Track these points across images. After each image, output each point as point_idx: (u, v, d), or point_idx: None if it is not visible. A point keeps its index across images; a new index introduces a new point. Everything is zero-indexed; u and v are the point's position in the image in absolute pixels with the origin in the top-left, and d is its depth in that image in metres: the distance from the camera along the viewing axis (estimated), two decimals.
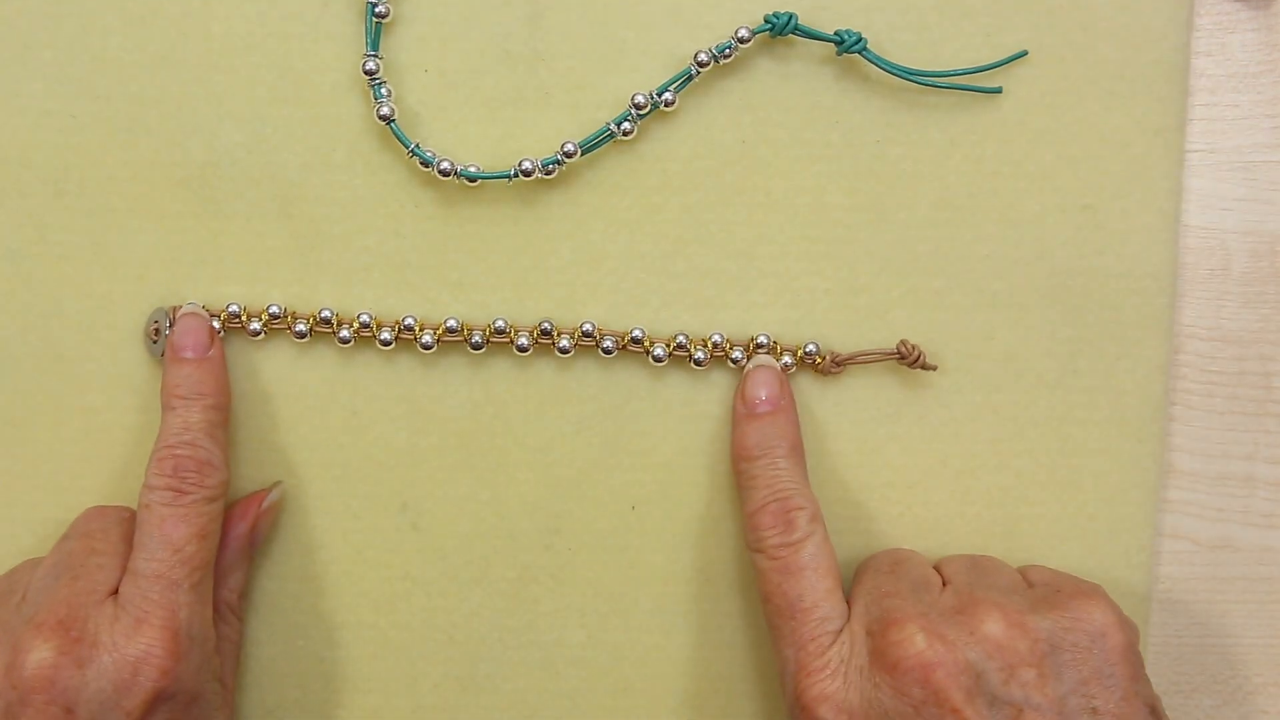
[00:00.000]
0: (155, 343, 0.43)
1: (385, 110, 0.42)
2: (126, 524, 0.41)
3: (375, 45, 0.43)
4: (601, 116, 0.43)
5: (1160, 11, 0.43)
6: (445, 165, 0.43)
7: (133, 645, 0.37)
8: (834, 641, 0.39)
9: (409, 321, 0.43)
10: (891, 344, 0.44)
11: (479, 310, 0.44)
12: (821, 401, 0.44)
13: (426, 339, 0.43)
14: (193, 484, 0.40)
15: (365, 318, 0.43)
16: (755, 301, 0.44)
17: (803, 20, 0.43)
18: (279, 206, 0.43)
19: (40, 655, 0.37)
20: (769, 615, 0.40)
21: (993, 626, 0.37)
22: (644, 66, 0.43)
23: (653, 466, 0.44)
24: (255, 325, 0.43)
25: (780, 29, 0.42)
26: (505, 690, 0.45)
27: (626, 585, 0.44)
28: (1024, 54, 0.43)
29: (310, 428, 0.44)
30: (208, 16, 0.43)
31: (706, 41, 0.43)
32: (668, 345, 0.43)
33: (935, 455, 0.44)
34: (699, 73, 0.43)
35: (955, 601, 0.38)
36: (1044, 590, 0.39)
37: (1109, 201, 0.44)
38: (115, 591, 0.39)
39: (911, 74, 0.43)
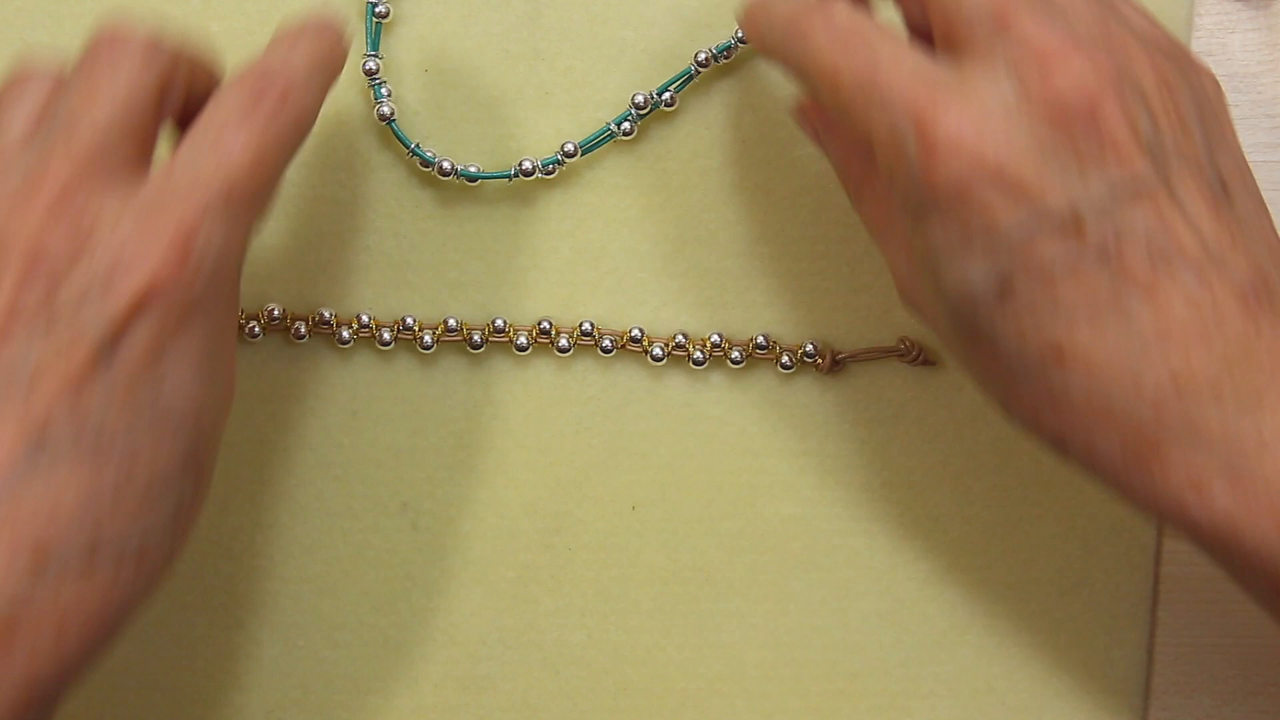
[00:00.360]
0: None
1: (385, 110, 0.42)
2: (150, 69, 0.34)
3: (375, 45, 0.43)
4: (602, 116, 0.43)
5: (1160, 11, 0.43)
6: (445, 165, 0.42)
7: (130, 244, 0.31)
8: (955, 75, 0.32)
9: (408, 321, 0.43)
10: (892, 345, 0.44)
11: (478, 310, 0.44)
12: (821, 401, 0.44)
13: (426, 339, 0.43)
14: (274, 98, 0.33)
15: (364, 318, 0.43)
16: (755, 301, 0.44)
17: None
18: (278, 206, 0.43)
19: (32, 223, 0.31)
20: (839, 99, 0.33)
21: (1146, 71, 0.32)
22: (644, 66, 0.43)
23: (653, 466, 0.44)
24: (254, 327, 0.43)
25: None
26: (505, 690, 0.45)
27: (627, 585, 0.44)
28: None
29: (309, 428, 0.44)
30: (207, 16, 0.43)
31: (707, 41, 0.43)
32: (667, 345, 0.43)
33: (935, 455, 0.44)
34: (699, 73, 0.43)
35: (1098, 24, 0.33)
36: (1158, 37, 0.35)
37: None
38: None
39: None
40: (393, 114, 0.43)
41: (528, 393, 0.44)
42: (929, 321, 0.37)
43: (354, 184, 0.44)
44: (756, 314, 0.44)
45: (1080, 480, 0.44)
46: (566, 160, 0.43)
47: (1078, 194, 0.31)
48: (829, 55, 0.34)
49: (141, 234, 0.31)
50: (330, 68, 0.36)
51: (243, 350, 0.44)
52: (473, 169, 0.43)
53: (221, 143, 0.32)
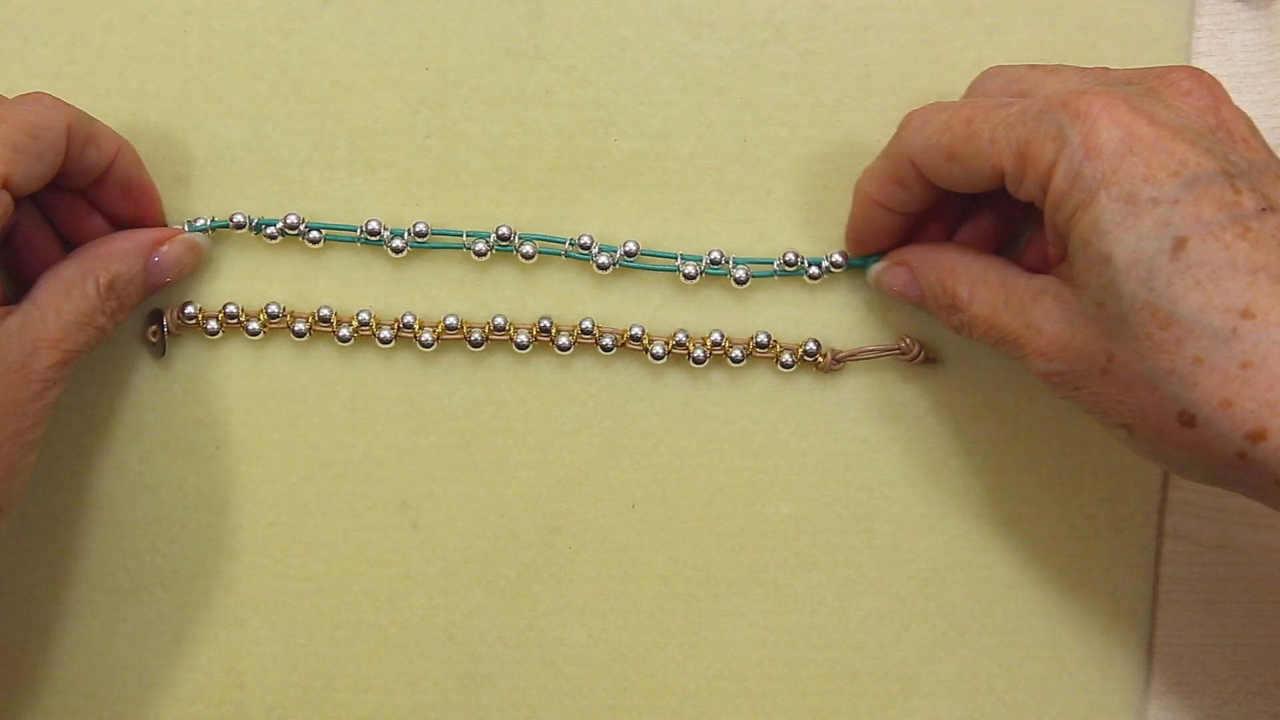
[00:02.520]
0: (154, 343, 0.43)
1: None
2: None
3: None
4: (602, 115, 0.43)
5: (1161, 11, 0.43)
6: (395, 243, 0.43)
7: None
8: (1087, 91, 0.35)
9: (408, 319, 0.43)
10: (892, 344, 0.44)
11: (478, 308, 0.44)
12: (821, 400, 0.44)
13: (426, 337, 0.43)
14: None
15: (364, 316, 0.43)
16: (755, 299, 0.44)
17: (804, 20, 0.43)
18: (279, 204, 0.43)
19: None
20: (977, 135, 0.37)
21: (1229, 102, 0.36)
22: (645, 64, 0.43)
23: (652, 465, 0.44)
24: (254, 325, 0.43)
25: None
26: (505, 689, 0.45)
27: (626, 584, 0.44)
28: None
29: (310, 426, 0.44)
30: (208, 13, 0.43)
31: (708, 40, 0.43)
32: (667, 343, 0.43)
33: (935, 455, 0.44)
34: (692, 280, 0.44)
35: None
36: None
37: None
38: None
39: None
40: None
41: (528, 391, 0.44)
42: (1080, 359, 0.35)
43: (354, 182, 0.44)
44: (757, 312, 0.44)
45: (1080, 480, 0.44)
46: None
47: (1225, 160, 0.33)
48: (958, 111, 0.37)
49: None
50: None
51: (243, 348, 0.44)
52: (420, 228, 0.43)
53: None
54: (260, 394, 0.44)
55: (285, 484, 0.44)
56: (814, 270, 0.43)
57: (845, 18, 0.43)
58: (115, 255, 0.41)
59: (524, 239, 0.43)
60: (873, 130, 0.43)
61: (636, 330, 0.43)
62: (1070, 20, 0.43)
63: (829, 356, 0.43)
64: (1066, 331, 0.35)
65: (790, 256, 0.43)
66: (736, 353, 0.43)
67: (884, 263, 0.42)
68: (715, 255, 0.43)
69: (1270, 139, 0.44)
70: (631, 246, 0.43)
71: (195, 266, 0.43)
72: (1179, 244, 0.32)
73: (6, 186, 0.37)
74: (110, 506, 0.44)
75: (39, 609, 0.44)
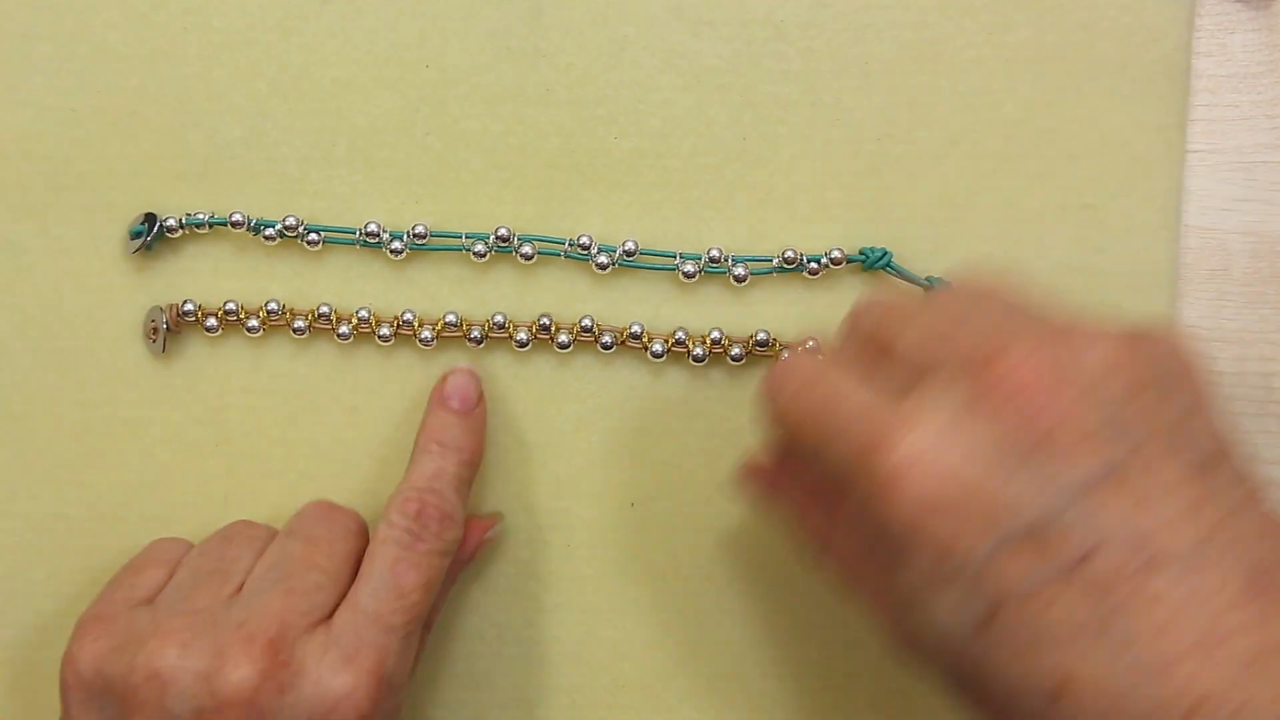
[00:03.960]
0: (154, 341, 0.43)
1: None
2: (354, 539, 0.40)
3: None
4: (602, 113, 0.43)
5: (1161, 11, 0.43)
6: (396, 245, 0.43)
7: (337, 682, 0.36)
8: (903, 405, 0.31)
9: (408, 317, 0.43)
10: None
11: (478, 306, 0.44)
12: None
13: (426, 334, 0.43)
14: (432, 534, 0.39)
15: (364, 313, 0.43)
16: (755, 298, 0.44)
17: (804, 19, 0.43)
18: (279, 201, 0.43)
19: (245, 674, 0.36)
20: (806, 442, 0.34)
21: (1095, 355, 0.30)
22: (645, 63, 0.43)
23: (652, 463, 0.44)
24: (253, 322, 0.43)
25: (872, 263, 0.43)
26: (503, 686, 0.44)
27: (625, 582, 0.44)
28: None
29: (309, 424, 0.44)
30: (208, 11, 0.43)
31: (708, 38, 0.43)
32: (667, 341, 0.43)
33: None
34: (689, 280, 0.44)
35: (1041, 325, 0.32)
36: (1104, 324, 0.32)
37: (1109, 201, 0.44)
38: (329, 617, 0.38)
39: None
40: None
41: (527, 389, 0.44)
42: (928, 671, 0.32)
43: (354, 179, 0.44)
44: (757, 311, 0.44)
45: None
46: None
47: (1039, 498, 0.29)
48: (794, 403, 0.34)
49: (344, 673, 0.36)
50: (471, 470, 0.42)
51: (242, 345, 0.44)
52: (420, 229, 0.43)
53: (398, 583, 0.38)
54: (260, 391, 0.44)
55: (285, 481, 0.44)
56: (813, 266, 0.43)
57: (845, 17, 0.43)
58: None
59: (523, 240, 0.43)
60: (873, 130, 0.43)
61: (636, 328, 0.43)
62: (1070, 20, 0.43)
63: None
64: (915, 646, 0.32)
65: (789, 254, 0.43)
66: (736, 351, 0.43)
67: (739, 472, 0.41)
68: (714, 253, 0.43)
69: (1270, 138, 0.44)
70: (630, 246, 0.43)
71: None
72: (987, 619, 0.29)
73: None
74: (110, 503, 0.44)
75: (39, 607, 0.44)
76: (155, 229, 0.43)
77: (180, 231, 0.43)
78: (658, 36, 0.43)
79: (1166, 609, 0.28)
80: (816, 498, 0.37)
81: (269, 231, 0.43)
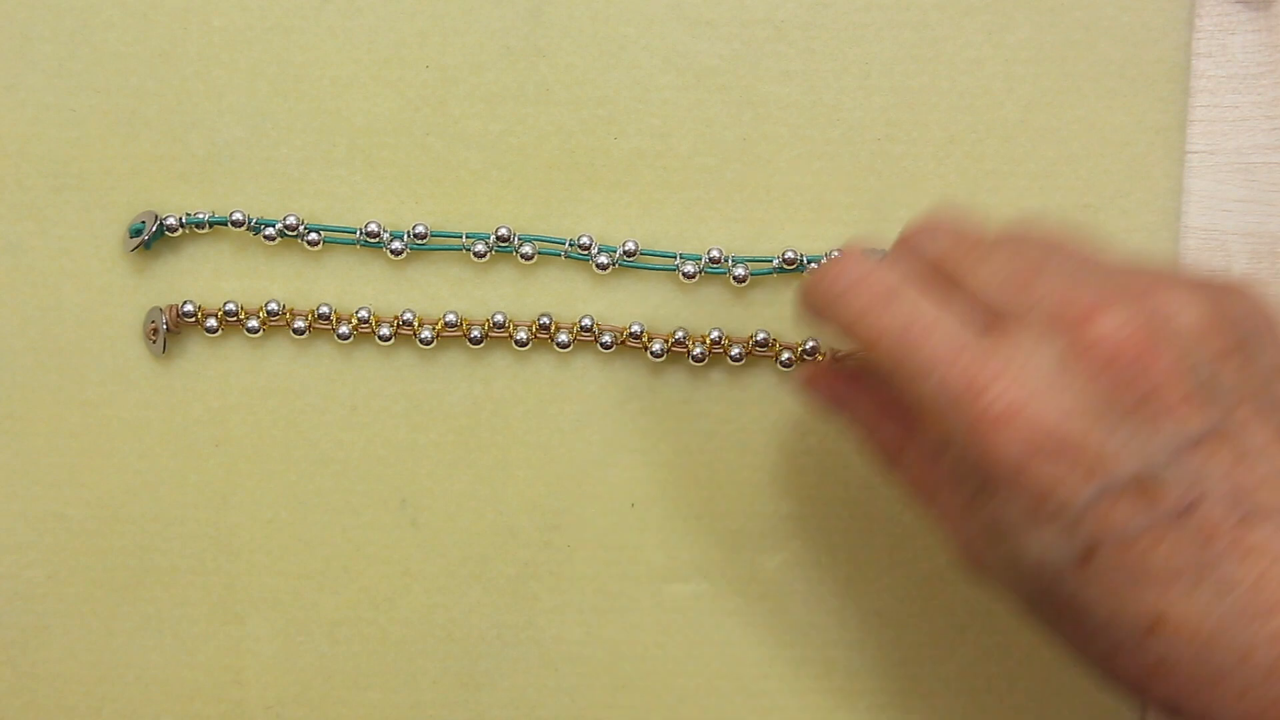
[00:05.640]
0: (154, 340, 0.43)
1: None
2: None
3: None
4: (601, 113, 0.43)
5: (1161, 11, 0.43)
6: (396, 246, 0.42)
7: None
8: (995, 348, 0.31)
9: (408, 317, 0.43)
10: None
11: (478, 306, 0.44)
12: None
13: (425, 334, 0.43)
14: None
15: (364, 313, 0.43)
16: (755, 298, 0.44)
17: (804, 19, 0.43)
18: (279, 201, 0.43)
19: None
20: (881, 360, 0.33)
21: (1188, 315, 0.31)
22: (645, 63, 0.43)
23: (652, 463, 0.44)
24: (253, 322, 0.43)
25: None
26: (504, 687, 0.44)
27: (625, 582, 0.44)
28: None
29: (309, 424, 0.44)
30: (208, 10, 0.43)
31: (708, 38, 0.43)
32: (667, 341, 0.43)
33: None
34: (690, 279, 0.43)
35: (1126, 278, 0.32)
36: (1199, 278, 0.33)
37: (1110, 201, 0.44)
38: None
39: None
40: None
41: (527, 389, 0.44)
42: (1001, 588, 0.34)
43: (354, 179, 0.44)
44: (756, 311, 0.44)
45: None
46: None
47: (1142, 452, 0.30)
48: (865, 316, 0.33)
49: None
50: None
51: (242, 346, 0.44)
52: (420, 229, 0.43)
53: None
54: (259, 391, 0.44)
55: (284, 481, 0.44)
56: (814, 267, 0.43)
57: (845, 17, 0.43)
58: None
59: (523, 239, 0.43)
60: (873, 130, 0.43)
61: (636, 328, 0.43)
62: (1070, 20, 0.43)
63: (829, 356, 0.43)
64: (989, 560, 0.33)
65: (789, 254, 0.43)
66: (736, 351, 0.43)
67: (804, 377, 0.41)
68: (714, 254, 0.43)
69: (1270, 139, 0.44)
70: (631, 246, 0.43)
71: None
72: (1087, 555, 0.30)
73: None
74: (109, 503, 0.44)
75: (39, 607, 0.44)
76: (155, 227, 0.43)
77: (180, 230, 0.43)
78: (658, 36, 0.43)
79: (1264, 561, 0.29)
80: (890, 413, 0.38)
81: (269, 231, 0.43)
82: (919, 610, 0.45)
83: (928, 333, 0.32)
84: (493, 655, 0.44)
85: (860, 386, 0.39)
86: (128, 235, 0.43)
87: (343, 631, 0.44)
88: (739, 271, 0.43)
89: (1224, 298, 0.32)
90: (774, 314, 0.44)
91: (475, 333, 0.43)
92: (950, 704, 0.45)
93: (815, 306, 0.35)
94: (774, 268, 0.43)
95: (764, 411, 0.44)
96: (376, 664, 0.44)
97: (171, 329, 0.43)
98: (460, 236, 0.43)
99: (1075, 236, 0.35)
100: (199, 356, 0.44)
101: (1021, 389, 0.30)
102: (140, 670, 0.44)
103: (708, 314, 0.44)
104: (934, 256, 0.34)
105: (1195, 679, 0.30)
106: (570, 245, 0.43)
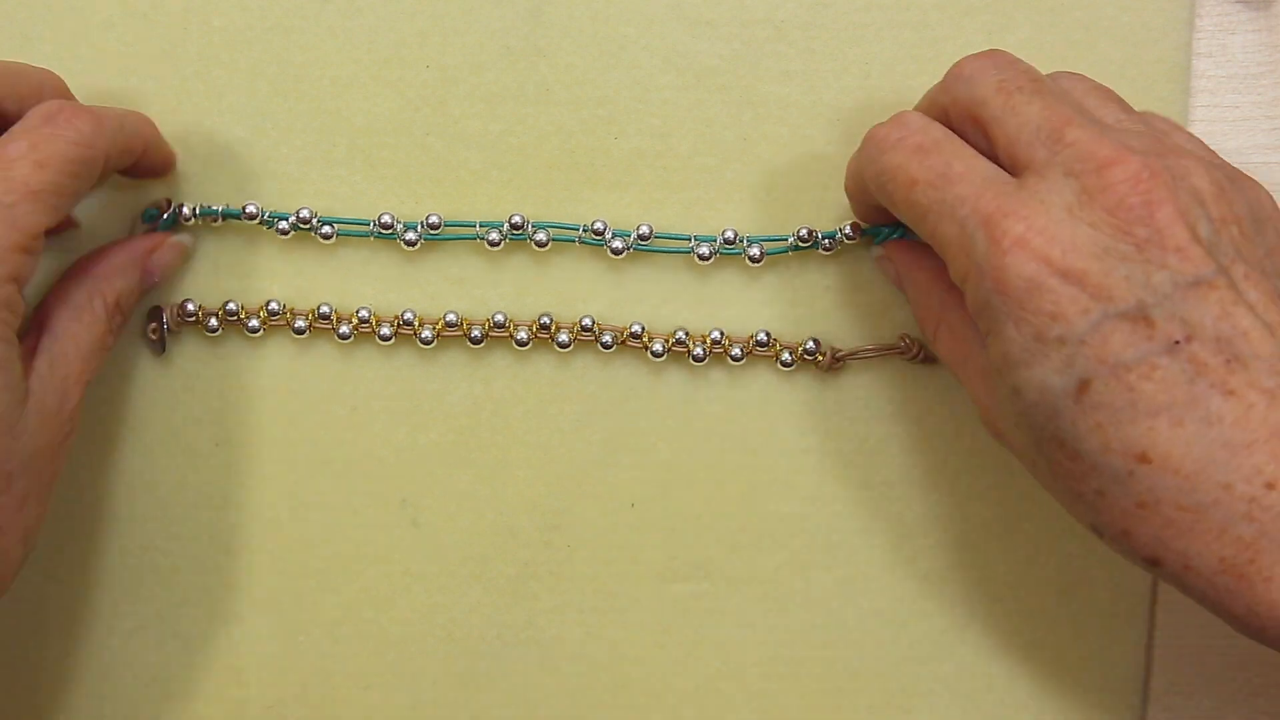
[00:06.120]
0: (154, 340, 0.43)
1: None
2: None
3: None
4: (601, 113, 0.43)
5: (1161, 11, 0.43)
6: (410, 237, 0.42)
7: None
8: (1020, 186, 0.34)
9: (408, 316, 0.43)
10: (892, 343, 0.44)
11: (478, 305, 0.44)
12: (821, 399, 0.44)
13: (426, 334, 0.43)
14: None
15: (364, 313, 0.43)
16: (755, 298, 0.44)
17: (804, 19, 0.43)
18: (279, 202, 0.43)
19: None
20: (915, 204, 0.36)
21: (1200, 179, 0.33)
22: (645, 63, 0.43)
23: (652, 463, 0.44)
24: (253, 322, 0.43)
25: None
26: (504, 687, 0.44)
27: (626, 582, 0.44)
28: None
29: (309, 424, 0.44)
30: (208, 10, 0.43)
31: (708, 38, 0.43)
32: (667, 341, 0.43)
33: (935, 454, 0.44)
34: (797, 247, 0.43)
35: (1151, 140, 0.35)
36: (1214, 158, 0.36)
37: None
38: None
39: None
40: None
41: (527, 388, 0.44)
42: (1011, 445, 0.37)
43: (354, 179, 0.44)
44: (756, 311, 0.44)
45: None
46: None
47: (1143, 288, 0.32)
48: (906, 164, 0.36)
49: None
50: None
51: (241, 346, 0.44)
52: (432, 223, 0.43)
53: None
54: (260, 391, 0.44)
55: (285, 481, 0.44)
56: (827, 243, 0.43)
57: (845, 17, 0.43)
58: (115, 270, 0.41)
59: (537, 226, 0.43)
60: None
61: (636, 328, 0.43)
62: (1070, 20, 0.43)
63: (829, 355, 0.43)
64: (1002, 421, 0.36)
65: (804, 232, 0.43)
66: (736, 351, 0.43)
67: (880, 251, 0.43)
68: (729, 234, 0.43)
69: (1270, 139, 0.44)
70: (645, 230, 0.43)
71: (180, 266, 0.43)
72: (1083, 385, 0.32)
73: (46, 233, 0.37)
74: (109, 503, 0.44)
75: (39, 607, 0.44)
76: (170, 213, 0.43)
77: (193, 220, 0.43)
78: (658, 36, 0.43)
79: (1246, 401, 0.31)
80: (937, 285, 0.40)
81: (283, 225, 0.43)
82: (919, 610, 0.45)
83: (961, 175, 0.35)
84: (493, 655, 0.44)
85: (919, 260, 0.41)
86: (139, 221, 0.43)
87: (343, 631, 0.44)
88: (754, 251, 0.43)
89: (1239, 177, 0.35)
90: (775, 314, 0.44)
91: (475, 332, 0.43)
92: (950, 704, 0.45)
93: (867, 157, 0.38)
94: (789, 246, 0.43)
95: (764, 412, 0.44)
96: (377, 663, 0.44)
97: (172, 329, 0.43)
98: (474, 225, 0.43)
99: (1110, 94, 0.38)
100: (199, 356, 0.44)
101: (1044, 215, 0.33)
102: (140, 670, 0.44)
103: (707, 313, 0.44)
104: (974, 101, 0.37)
105: (1177, 520, 0.32)
106: (584, 231, 0.43)
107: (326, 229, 0.43)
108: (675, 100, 0.43)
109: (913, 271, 0.41)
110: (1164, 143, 0.35)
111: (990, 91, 0.36)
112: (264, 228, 0.43)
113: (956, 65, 0.38)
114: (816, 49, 0.44)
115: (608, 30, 0.43)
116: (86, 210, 0.43)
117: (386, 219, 0.43)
